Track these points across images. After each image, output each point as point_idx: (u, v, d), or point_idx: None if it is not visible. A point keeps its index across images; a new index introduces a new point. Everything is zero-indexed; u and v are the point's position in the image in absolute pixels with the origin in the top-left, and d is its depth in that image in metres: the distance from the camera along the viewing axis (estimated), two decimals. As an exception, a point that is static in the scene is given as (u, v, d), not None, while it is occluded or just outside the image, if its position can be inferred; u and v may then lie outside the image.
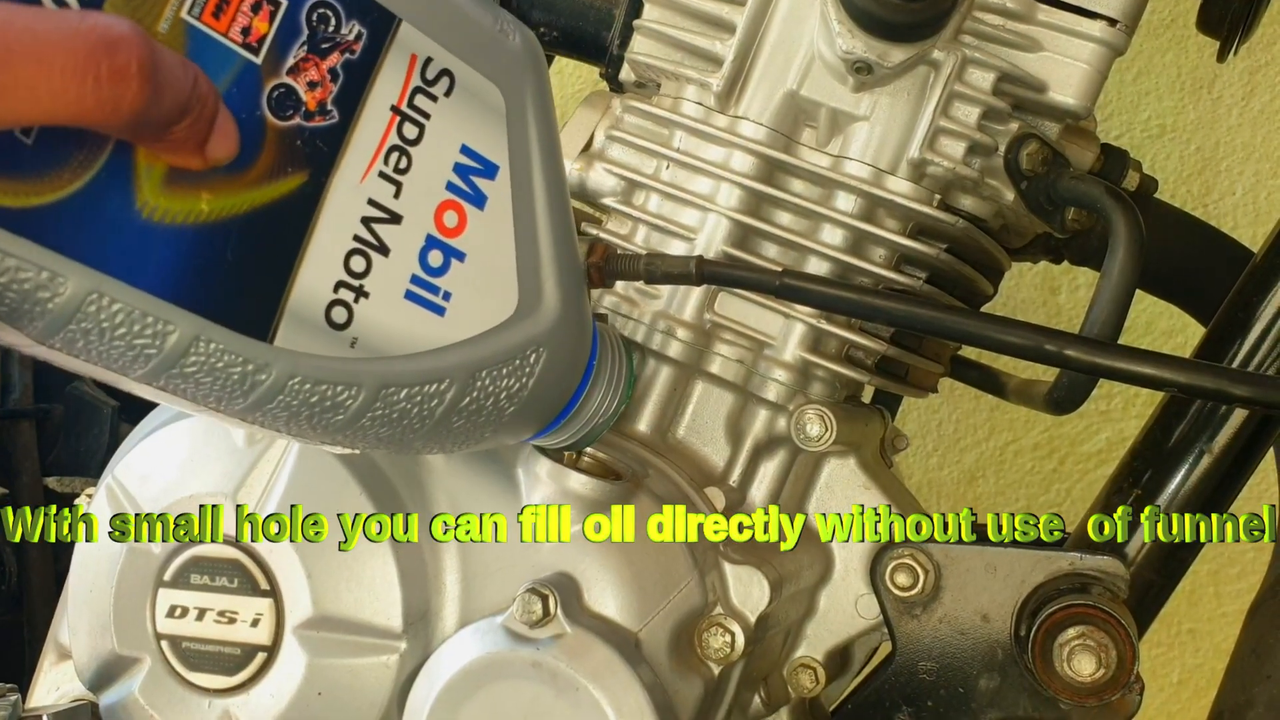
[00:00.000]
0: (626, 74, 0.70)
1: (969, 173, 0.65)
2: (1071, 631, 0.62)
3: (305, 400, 0.43)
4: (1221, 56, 0.74)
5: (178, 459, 0.58)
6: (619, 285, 0.67)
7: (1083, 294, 1.23)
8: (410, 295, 0.44)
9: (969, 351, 0.78)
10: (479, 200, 0.46)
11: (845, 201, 0.65)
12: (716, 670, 0.59)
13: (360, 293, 0.43)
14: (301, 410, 0.43)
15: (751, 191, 0.65)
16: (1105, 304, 0.61)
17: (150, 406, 0.62)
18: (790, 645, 0.67)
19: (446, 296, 0.45)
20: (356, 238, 0.43)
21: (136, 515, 0.58)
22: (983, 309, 0.73)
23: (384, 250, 0.43)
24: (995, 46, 0.64)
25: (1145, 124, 1.23)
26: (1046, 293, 1.25)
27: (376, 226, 0.43)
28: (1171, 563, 0.69)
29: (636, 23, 0.68)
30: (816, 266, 0.65)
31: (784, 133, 0.66)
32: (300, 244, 0.42)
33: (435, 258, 0.45)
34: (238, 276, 0.40)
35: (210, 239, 0.40)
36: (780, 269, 0.61)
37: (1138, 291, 0.63)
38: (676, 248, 0.66)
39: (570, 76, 1.24)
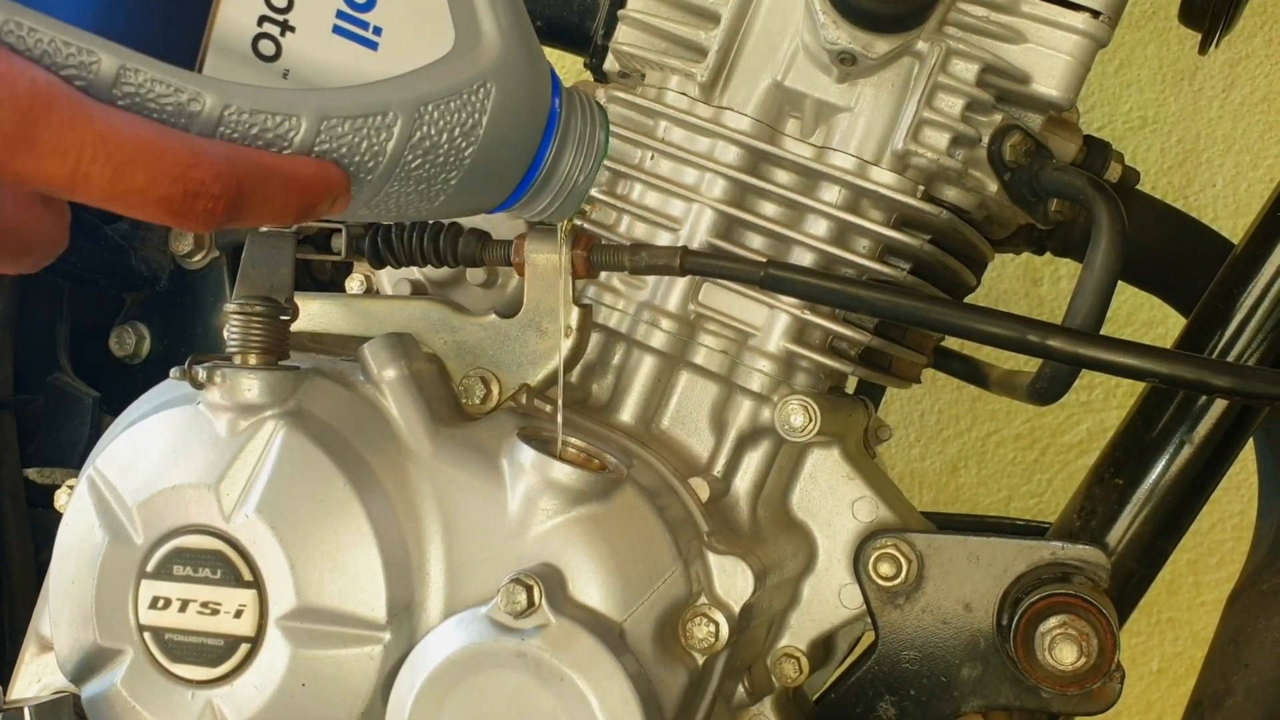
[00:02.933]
0: (611, 64, 0.70)
1: (952, 164, 0.65)
2: (1053, 620, 0.63)
3: (246, 133, 0.43)
4: (1203, 49, 0.75)
5: (159, 450, 0.58)
6: (603, 275, 0.67)
7: (1065, 285, 1.24)
8: (338, 30, 0.45)
9: (952, 342, 0.78)
10: None
11: (829, 192, 0.65)
12: (701, 660, 0.59)
13: (286, 26, 0.44)
14: (246, 145, 0.43)
15: (736, 182, 0.65)
16: (1087, 295, 0.61)
17: (132, 398, 0.62)
18: (774, 635, 0.68)
19: (377, 31, 0.45)
20: None
21: (119, 506, 0.58)
22: (966, 300, 0.73)
23: None
24: (979, 38, 0.65)
25: (1127, 116, 1.23)
26: (1029, 284, 1.25)
27: None
28: (1151, 552, 0.69)
29: (621, 12, 0.68)
30: (801, 257, 0.65)
31: (768, 123, 0.66)
32: None
33: None
34: (157, 9, 0.41)
35: None
36: (765, 260, 0.61)
37: (1119, 283, 0.63)
38: (661, 238, 0.66)
39: (554, 66, 1.24)
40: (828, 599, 0.68)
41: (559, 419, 0.59)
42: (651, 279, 0.67)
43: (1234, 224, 1.17)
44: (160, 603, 0.56)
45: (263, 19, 0.43)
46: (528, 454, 0.57)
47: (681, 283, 0.66)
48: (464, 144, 0.47)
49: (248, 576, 0.56)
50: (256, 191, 0.42)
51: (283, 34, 0.44)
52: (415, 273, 0.76)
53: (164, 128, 0.41)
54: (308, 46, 0.44)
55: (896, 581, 0.66)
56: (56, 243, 0.44)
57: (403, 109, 0.46)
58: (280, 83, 0.44)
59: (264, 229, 0.59)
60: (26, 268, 0.44)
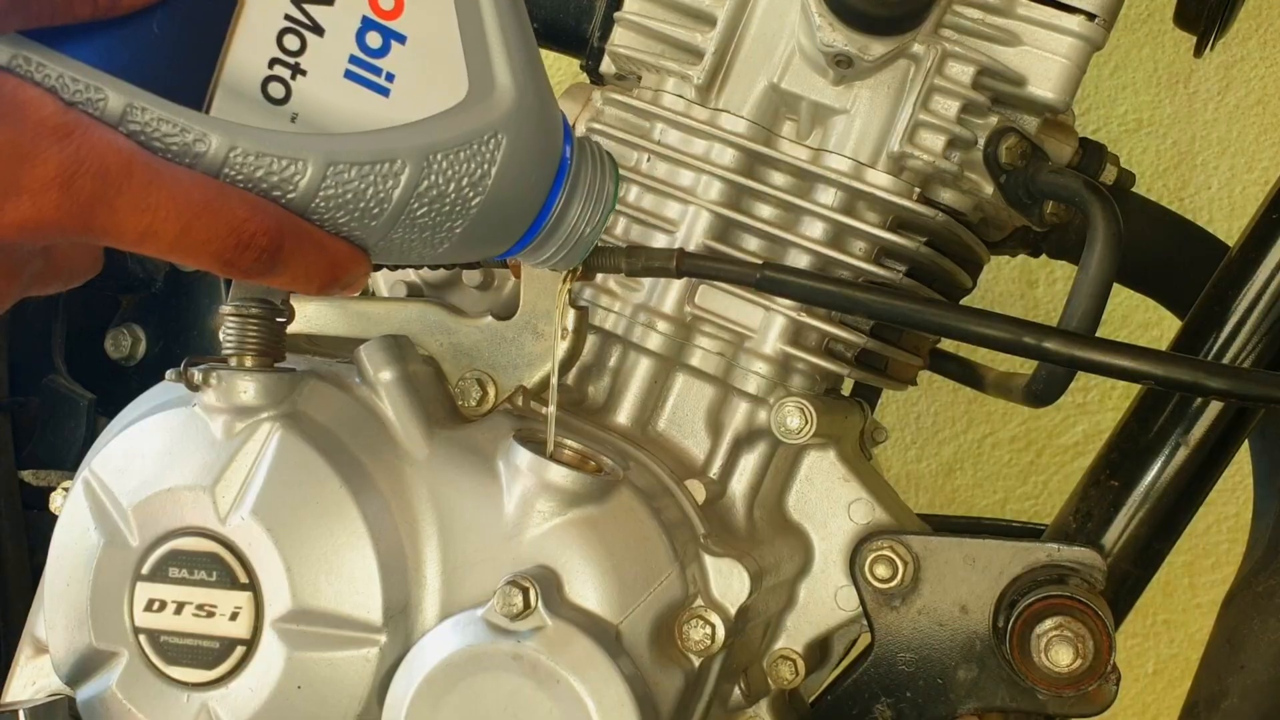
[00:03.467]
0: (607, 66, 0.70)
1: (948, 166, 0.65)
2: (1049, 622, 0.63)
3: (251, 175, 0.43)
4: (1198, 51, 0.75)
5: (155, 452, 0.58)
6: (599, 277, 0.67)
7: (1060, 287, 1.24)
8: (350, 75, 0.45)
9: (948, 344, 0.78)
10: None
11: (825, 194, 0.65)
12: (697, 662, 0.59)
13: (297, 70, 0.44)
14: (251, 189, 0.43)
15: (732, 184, 0.65)
16: (1083, 297, 0.61)
17: (128, 400, 0.62)
18: (770, 637, 0.68)
19: (389, 78, 0.45)
20: (288, 16, 0.43)
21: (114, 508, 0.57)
22: (961, 302, 0.74)
23: (318, 30, 0.44)
24: (975, 40, 0.65)
25: (1122, 118, 1.24)
26: (1025, 286, 1.25)
27: (308, 6, 0.44)
28: (1147, 554, 0.69)
29: (617, 15, 0.68)
30: (797, 259, 0.65)
31: (765, 126, 0.66)
32: (228, 20, 0.43)
33: (374, 39, 0.45)
34: (166, 48, 0.42)
35: (135, 12, 0.41)
36: (761, 262, 0.61)
37: (1115, 285, 0.63)
38: (657, 240, 0.66)
39: (550, 68, 1.24)
40: (824, 601, 0.68)
41: (551, 420, 0.59)
42: (648, 281, 0.67)
43: (1229, 226, 1.17)
44: (156, 605, 0.56)
45: (274, 61, 0.43)
46: (524, 456, 0.57)
47: (678, 285, 0.66)
48: (471, 194, 0.47)
49: (243, 579, 0.56)
50: (295, 251, 0.44)
51: (293, 77, 0.43)
52: (411, 274, 0.76)
53: (222, 184, 0.43)
54: (318, 90, 0.44)
55: (892, 583, 0.66)
56: (92, 269, 0.46)
57: (411, 157, 0.45)
58: (288, 126, 0.43)
59: None
60: (58, 290, 0.46)
